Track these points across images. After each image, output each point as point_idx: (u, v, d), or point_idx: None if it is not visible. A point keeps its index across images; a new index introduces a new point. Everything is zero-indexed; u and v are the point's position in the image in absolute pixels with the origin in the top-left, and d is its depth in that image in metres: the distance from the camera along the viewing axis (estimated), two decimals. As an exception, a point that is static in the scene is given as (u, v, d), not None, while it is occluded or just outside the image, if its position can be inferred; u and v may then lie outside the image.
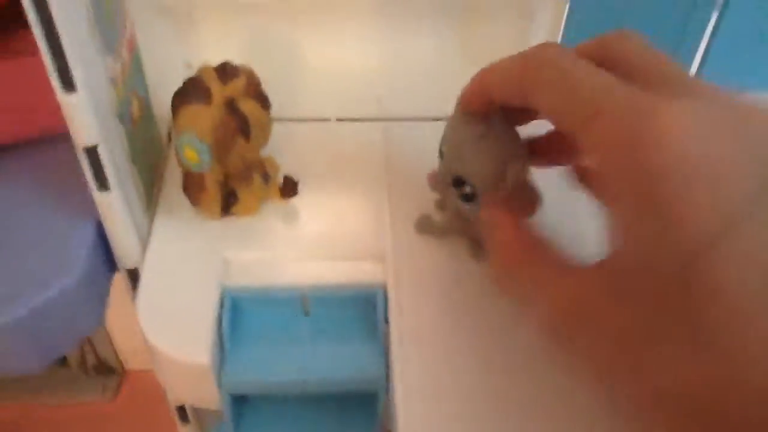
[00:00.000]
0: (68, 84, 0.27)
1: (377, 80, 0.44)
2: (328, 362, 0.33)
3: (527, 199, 0.30)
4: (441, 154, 0.31)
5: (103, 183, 0.31)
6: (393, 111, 0.42)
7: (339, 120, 0.42)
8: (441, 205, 0.35)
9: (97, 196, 0.31)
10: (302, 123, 0.42)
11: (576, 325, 0.22)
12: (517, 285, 0.26)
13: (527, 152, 0.30)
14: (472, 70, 0.30)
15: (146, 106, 0.36)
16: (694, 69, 0.44)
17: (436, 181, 0.32)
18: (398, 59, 0.44)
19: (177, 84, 0.34)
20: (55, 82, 0.27)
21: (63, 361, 0.64)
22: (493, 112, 0.29)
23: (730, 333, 0.18)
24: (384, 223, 0.36)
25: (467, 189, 0.29)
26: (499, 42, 0.43)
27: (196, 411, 0.44)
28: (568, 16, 0.41)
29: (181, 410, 0.44)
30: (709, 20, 0.41)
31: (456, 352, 0.31)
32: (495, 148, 0.29)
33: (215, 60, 0.37)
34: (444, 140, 0.30)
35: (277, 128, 0.36)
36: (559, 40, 0.42)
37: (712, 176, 0.18)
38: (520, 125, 0.30)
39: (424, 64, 0.44)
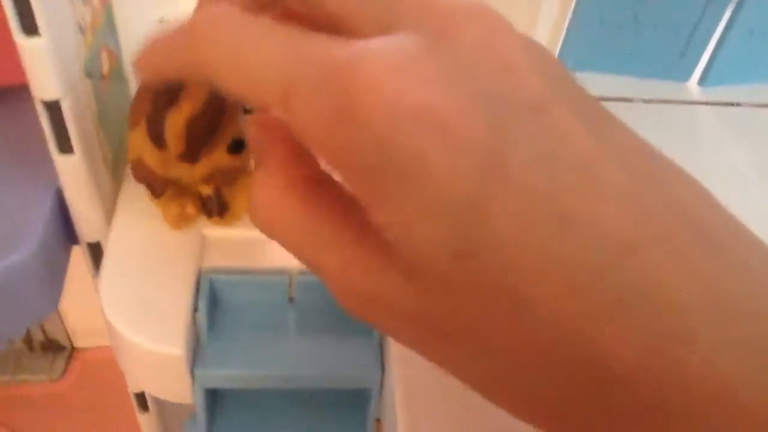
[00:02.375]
0: (29, 26, 0.23)
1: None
2: (315, 356, 0.29)
3: None
4: None
5: (65, 144, 0.27)
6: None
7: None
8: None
9: (59, 159, 0.27)
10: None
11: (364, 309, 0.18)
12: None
13: None
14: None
15: (117, 64, 0.32)
16: (705, 59, 0.42)
17: None
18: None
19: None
20: (13, 23, 0.23)
21: (6, 337, 0.59)
22: None
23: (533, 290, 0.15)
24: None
25: None
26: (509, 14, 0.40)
27: (158, 400, 0.41)
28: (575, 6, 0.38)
29: (141, 398, 0.40)
30: (724, 12, 0.39)
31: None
32: None
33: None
34: None
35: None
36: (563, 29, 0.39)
37: (442, 130, 0.15)
38: None
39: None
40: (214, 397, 0.32)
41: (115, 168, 0.32)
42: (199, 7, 0.19)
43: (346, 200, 0.18)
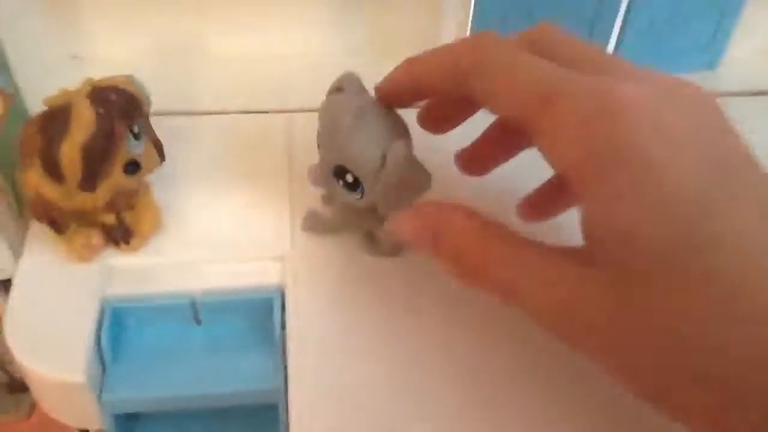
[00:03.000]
0: None
1: (281, 71, 0.41)
2: (222, 375, 0.30)
3: (416, 182, 0.27)
4: (318, 146, 0.28)
5: (-43, 187, 0.28)
6: (297, 103, 0.39)
7: (242, 112, 0.40)
8: (327, 200, 0.33)
9: (-48, 201, 0.28)
10: (202, 117, 0.39)
11: (570, 328, 0.21)
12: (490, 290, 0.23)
13: (408, 131, 0.28)
14: (380, 62, 0.29)
15: (15, 104, 0.33)
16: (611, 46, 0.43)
17: (316, 175, 0.29)
18: (304, 49, 0.42)
19: (63, 77, 0.31)
20: None
21: (-30, 381, 0.60)
22: (366, 96, 0.28)
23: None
24: (284, 221, 0.33)
25: (349, 177, 0.27)
26: (407, 34, 0.41)
27: (101, 430, 0.41)
28: (475, 4, 0.39)
29: None
30: (619, 7, 0.40)
31: (354, 354, 0.29)
32: (372, 130, 0.26)
33: (105, 51, 0.35)
34: (320, 129, 0.28)
35: (177, 122, 0.33)
36: (468, 30, 0.40)
37: (678, 144, 0.19)
38: (454, 123, 0.30)
39: (330, 55, 0.42)
40: (131, 421, 0.32)
41: (20, 208, 0.33)
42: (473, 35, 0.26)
43: (521, 235, 0.22)
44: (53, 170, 0.27)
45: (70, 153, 0.27)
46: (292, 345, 0.29)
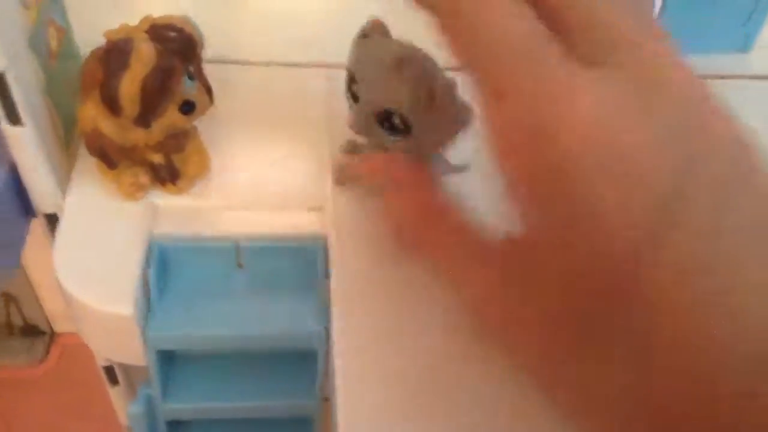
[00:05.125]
0: (-31, -2, 0.24)
1: (323, 25, 0.41)
2: (263, 317, 0.31)
3: (463, 115, 0.28)
4: (352, 94, 0.28)
5: (13, 116, 0.28)
6: (338, 57, 0.39)
7: (282, 65, 0.40)
8: (350, 148, 0.33)
9: (9, 131, 0.28)
10: (243, 66, 0.39)
11: (499, 316, 0.21)
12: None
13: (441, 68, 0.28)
14: (423, 23, 0.28)
15: (67, 40, 0.33)
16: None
17: (353, 123, 0.29)
18: (345, 4, 0.42)
19: (111, 16, 0.31)
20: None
21: (-15, 322, 0.60)
22: (395, 40, 0.28)
23: (671, 346, 0.16)
24: (324, 173, 0.34)
25: (396, 121, 0.27)
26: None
27: (126, 372, 0.42)
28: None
29: (109, 371, 0.41)
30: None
31: (399, 308, 0.29)
32: (414, 69, 0.26)
33: None
34: (356, 75, 0.28)
35: (216, 70, 0.33)
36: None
37: (623, 171, 0.16)
38: None
39: (371, 11, 0.42)
40: (169, 361, 0.33)
41: (68, 144, 0.33)
42: None
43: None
44: (112, 103, 0.27)
45: (129, 87, 0.27)
46: (337, 292, 0.29)
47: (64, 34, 0.32)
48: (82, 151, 0.33)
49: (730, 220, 0.16)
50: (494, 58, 0.19)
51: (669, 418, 0.17)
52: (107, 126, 0.28)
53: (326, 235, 0.32)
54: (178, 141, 0.31)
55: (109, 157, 0.30)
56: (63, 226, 0.30)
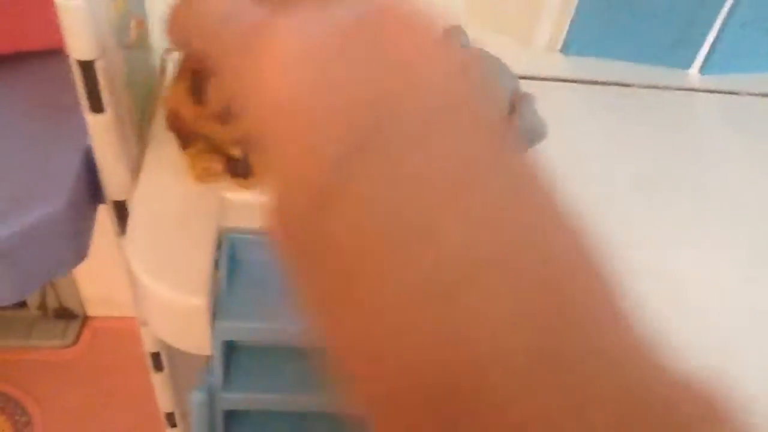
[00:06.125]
0: (69, -13, 0.25)
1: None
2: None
3: (540, 127, 0.28)
4: None
5: (97, 104, 0.28)
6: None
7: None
8: None
9: (90, 117, 0.29)
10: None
11: None
12: None
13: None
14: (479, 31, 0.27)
15: (144, 31, 0.33)
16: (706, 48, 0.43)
17: None
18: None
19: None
20: (54, -16, 0.25)
21: (22, 303, 0.60)
22: (473, 49, 0.26)
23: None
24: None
25: None
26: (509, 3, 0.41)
27: (171, 359, 0.42)
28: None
29: (156, 357, 0.42)
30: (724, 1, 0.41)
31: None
32: (495, 79, 0.27)
33: None
34: None
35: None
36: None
37: (308, 127, 0.16)
38: None
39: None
40: (229, 350, 0.33)
41: (140, 129, 0.33)
42: None
43: None
44: (198, 95, 0.28)
45: (219, 85, 0.27)
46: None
47: (143, 26, 0.33)
48: (154, 140, 0.33)
49: (419, 157, 0.15)
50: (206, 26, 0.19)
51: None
52: (187, 111, 0.29)
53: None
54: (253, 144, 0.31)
55: (184, 137, 0.30)
56: (135, 214, 0.31)
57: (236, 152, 0.31)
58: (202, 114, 0.29)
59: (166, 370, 0.43)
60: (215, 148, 0.31)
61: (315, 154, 0.15)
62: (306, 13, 0.16)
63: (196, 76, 0.28)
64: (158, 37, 0.35)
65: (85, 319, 0.61)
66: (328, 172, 0.15)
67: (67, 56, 0.27)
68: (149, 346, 0.41)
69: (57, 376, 0.59)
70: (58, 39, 0.27)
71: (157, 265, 0.30)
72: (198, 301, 0.29)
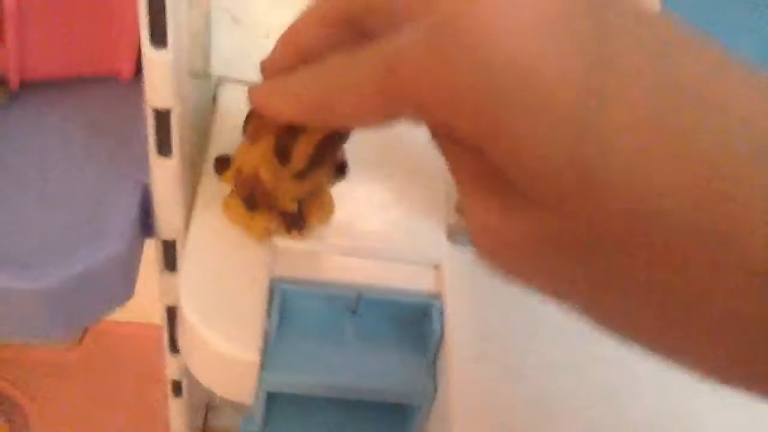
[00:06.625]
0: (160, 39, 0.24)
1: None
2: (373, 369, 0.31)
3: None
4: None
5: (165, 148, 0.28)
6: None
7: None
8: (458, 207, 0.33)
9: (155, 160, 0.28)
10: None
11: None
12: None
13: None
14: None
15: (206, 63, 0.33)
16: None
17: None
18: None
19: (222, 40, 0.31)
20: (144, 34, 0.24)
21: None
22: None
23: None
24: (440, 230, 0.34)
25: None
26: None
27: (192, 388, 0.42)
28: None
29: (176, 384, 0.41)
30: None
31: (513, 373, 0.30)
32: None
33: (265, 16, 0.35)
34: None
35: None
36: None
37: (545, 37, 0.16)
38: None
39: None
40: (270, 397, 0.33)
41: (193, 168, 0.33)
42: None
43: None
44: (283, 155, 0.27)
45: (305, 146, 0.27)
46: (451, 355, 0.30)
47: (206, 55, 0.32)
48: (204, 182, 0.33)
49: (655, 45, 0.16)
50: (361, 69, 0.19)
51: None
52: (267, 172, 0.28)
53: (441, 292, 0.32)
54: (314, 193, 0.31)
55: (255, 201, 0.29)
56: (188, 258, 0.30)
57: (292, 206, 0.30)
58: (283, 174, 0.28)
59: (185, 395, 0.42)
60: (271, 206, 0.30)
61: (565, 80, 0.15)
62: None
63: (282, 136, 0.27)
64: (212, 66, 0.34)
65: (89, 320, 0.60)
66: (584, 87, 0.15)
67: (120, 82, 0.26)
68: (172, 374, 0.40)
69: (58, 378, 0.58)
70: (112, 64, 0.26)
71: (210, 314, 0.29)
72: (250, 356, 0.29)
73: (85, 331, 0.59)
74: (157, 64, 0.25)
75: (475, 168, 0.18)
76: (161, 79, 0.25)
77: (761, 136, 0.15)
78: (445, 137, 0.19)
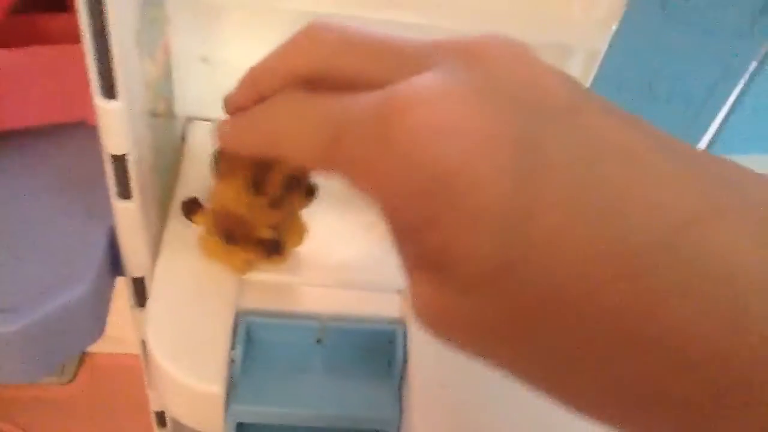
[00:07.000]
0: (109, 90, 0.25)
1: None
2: (340, 398, 0.32)
3: None
4: None
5: (125, 191, 0.29)
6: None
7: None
8: None
9: (117, 203, 0.29)
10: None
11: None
12: None
13: None
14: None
15: (169, 106, 0.34)
16: (714, 127, 0.44)
17: None
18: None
19: (192, 80, 0.32)
20: (95, 86, 0.25)
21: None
22: None
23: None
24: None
25: None
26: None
27: (175, 419, 0.43)
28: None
29: (160, 415, 0.42)
30: (736, 85, 0.42)
31: (477, 398, 0.30)
32: None
33: (233, 55, 0.35)
34: None
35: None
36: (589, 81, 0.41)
37: (472, 141, 0.16)
38: None
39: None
40: (241, 427, 0.34)
41: (162, 207, 0.34)
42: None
43: None
44: (258, 186, 0.28)
45: (278, 175, 0.28)
46: (415, 381, 0.30)
47: (168, 101, 0.33)
48: (172, 219, 0.34)
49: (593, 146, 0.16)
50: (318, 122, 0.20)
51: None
52: (243, 206, 0.29)
53: (406, 318, 0.33)
54: (287, 218, 0.32)
55: (234, 234, 0.31)
56: (155, 295, 0.31)
57: (270, 234, 0.31)
58: (259, 204, 0.29)
59: (170, 427, 0.43)
60: (249, 238, 0.31)
61: (491, 183, 0.16)
62: (422, 82, 0.17)
63: (256, 169, 0.28)
64: (180, 106, 0.35)
65: (84, 355, 0.61)
66: (512, 192, 0.16)
67: (88, 127, 0.27)
68: (154, 406, 0.41)
69: (56, 412, 0.59)
70: (83, 110, 0.27)
71: (175, 348, 0.30)
72: (215, 389, 0.29)
73: (79, 365, 0.60)
74: (109, 112, 0.26)
75: (414, 248, 0.19)
76: (114, 127, 0.26)
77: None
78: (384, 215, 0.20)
